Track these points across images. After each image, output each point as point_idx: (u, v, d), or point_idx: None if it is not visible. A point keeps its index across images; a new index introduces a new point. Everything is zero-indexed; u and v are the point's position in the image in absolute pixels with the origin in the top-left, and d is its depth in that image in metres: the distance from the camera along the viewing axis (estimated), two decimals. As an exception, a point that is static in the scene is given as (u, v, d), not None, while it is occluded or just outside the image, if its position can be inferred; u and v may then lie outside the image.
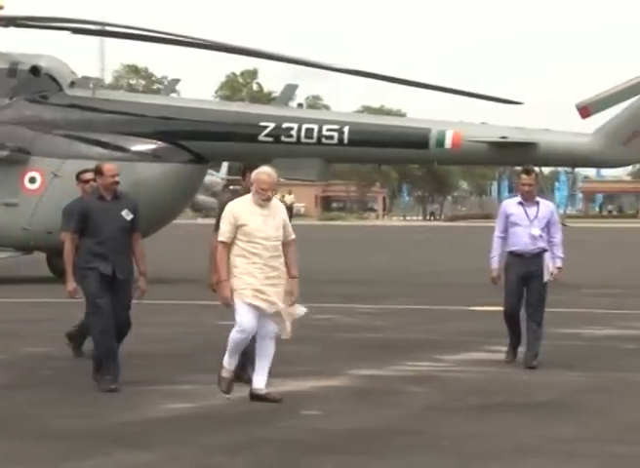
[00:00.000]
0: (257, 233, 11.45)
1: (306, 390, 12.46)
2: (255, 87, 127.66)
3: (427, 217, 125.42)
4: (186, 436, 10.08)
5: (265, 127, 28.55)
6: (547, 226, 13.84)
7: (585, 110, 31.93)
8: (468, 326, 18.72)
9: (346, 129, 28.42)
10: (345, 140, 28.37)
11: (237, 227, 11.49)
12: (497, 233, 14.06)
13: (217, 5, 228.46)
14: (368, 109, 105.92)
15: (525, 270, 13.75)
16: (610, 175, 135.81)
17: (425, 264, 36.15)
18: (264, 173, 11.60)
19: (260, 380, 11.57)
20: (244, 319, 11.41)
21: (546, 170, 56.90)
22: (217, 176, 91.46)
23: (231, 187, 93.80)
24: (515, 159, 29.69)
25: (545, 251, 13.83)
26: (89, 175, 13.87)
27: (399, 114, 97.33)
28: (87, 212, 12.35)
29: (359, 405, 11.79)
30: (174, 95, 37.50)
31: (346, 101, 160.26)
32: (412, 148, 29.15)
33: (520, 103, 33.58)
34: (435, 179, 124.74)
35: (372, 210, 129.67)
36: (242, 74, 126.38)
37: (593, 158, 29.38)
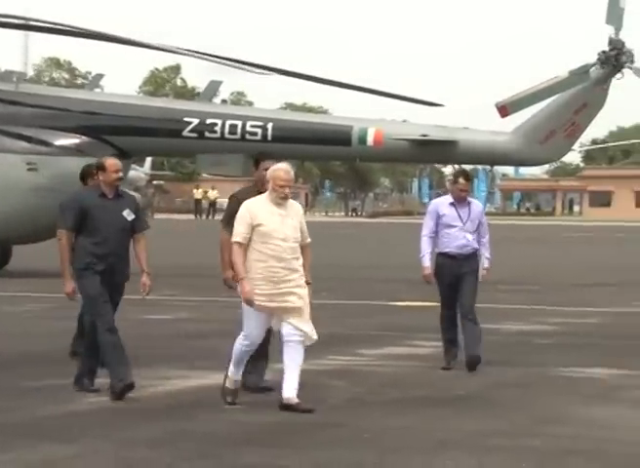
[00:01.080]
0: (274, 234, 10.67)
1: (228, 384, 12.40)
2: (179, 82, 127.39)
3: (349, 214, 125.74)
4: (108, 429, 10.02)
5: (189, 123, 28.49)
6: (477, 226, 13.53)
7: (504, 110, 32.22)
8: (389, 320, 18.83)
9: (270, 125, 28.48)
10: (269, 137, 28.43)
11: (253, 227, 10.70)
12: (426, 233, 13.53)
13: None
14: (291, 106, 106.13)
15: (458, 272, 13.37)
16: (527, 173, 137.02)
17: (347, 259, 36.25)
18: (282, 169, 10.86)
19: (290, 389, 10.79)
20: (251, 328, 10.84)
21: (465, 167, 57.32)
22: (140, 171, 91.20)
23: (154, 182, 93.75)
24: (436, 157, 29.96)
25: (477, 252, 13.56)
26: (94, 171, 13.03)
27: (322, 111, 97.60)
28: (86, 209, 11.34)
29: (278, 398, 11.77)
30: (98, 90, 37.29)
31: (270, 98, 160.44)
32: (334, 145, 29.25)
33: (441, 105, 33.79)
34: (357, 176, 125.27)
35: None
36: (165, 70, 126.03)
37: (511, 156, 29.62)
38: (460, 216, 13.35)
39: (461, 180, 13.52)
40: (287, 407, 10.68)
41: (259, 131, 28.48)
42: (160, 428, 10.12)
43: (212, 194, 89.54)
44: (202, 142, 28.35)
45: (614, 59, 32.70)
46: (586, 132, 36.26)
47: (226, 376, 11.05)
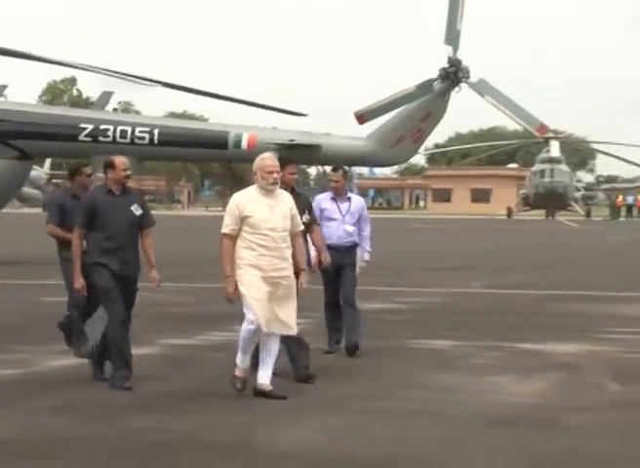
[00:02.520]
0: (263, 224, 9.76)
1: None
2: (74, 93, 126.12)
3: (225, 208, 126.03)
4: (15, 399, 9.85)
5: (85, 128, 28.28)
6: (358, 220, 12.84)
7: (361, 118, 32.68)
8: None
9: (156, 131, 28.48)
10: (155, 141, 28.43)
11: (242, 219, 9.80)
12: None
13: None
14: (172, 114, 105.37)
15: (339, 262, 12.51)
16: (380, 173, 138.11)
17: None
18: (267, 157, 9.97)
19: (264, 376, 9.94)
20: (253, 311, 9.76)
21: (329, 168, 57.63)
22: (41, 171, 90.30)
23: (54, 181, 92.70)
24: (302, 158, 30.02)
25: (357, 244, 12.87)
26: (89, 170, 12.61)
27: (201, 119, 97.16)
28: (95, 206, 10.40)
29: (168, 370, 11.71)
30: (2, 99, 36.77)
31: (154, 107, 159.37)
32: (212, 148, 29.34)
33: (305, 115, 33.97)
34: (233, 176, 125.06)
35: (178, 201, 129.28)
36: (62, 81, 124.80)
37: (367, 158, 30.05)
38: (339, 210, 12.72)
39: (332, 173, 13.09)
40: (260, 393, 9.89)
41: (146, 135, 28.40)
42: (61, 398, 9.98)
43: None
44: (96, 146, 28.11)
45: (452, 75, 33.25)
46: (430, 137, 36.81)
47: (235, 365, 10.06)
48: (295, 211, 10.04)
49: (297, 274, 10.07)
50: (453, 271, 27.38)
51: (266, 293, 9.77)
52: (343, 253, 12.67)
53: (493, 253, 36.08)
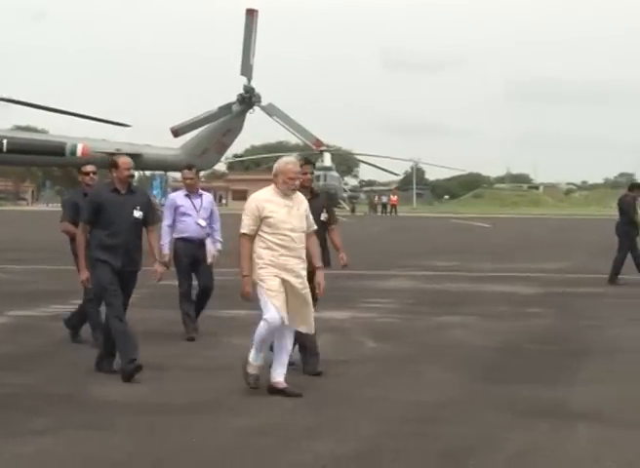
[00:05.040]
0: (282, 224, 8.26)
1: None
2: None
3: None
4: None
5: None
6: (210, 215, 11.65)
7: (176, 132, 32.85)
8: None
9: (5, 141, 28.36)
10: (4, 149, 28.37)
11: (261, 219, 8.27)
12: (167, 222, 11.53)
13: None
14: (18, 127, 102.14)
15: (195, 254, 11.44)
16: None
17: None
18: (291, 162, 8.48)
19: (279, 373, 8.34)
20: (271, 312, 8.20)
21: (148, 172, 56.97)
22: None
23: None
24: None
25: (210, 237, 11.64)
26: (90, 168, 11.02)
27: (43, 131, 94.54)
28: (100, 203, 9.07)
29: (15, 336, 11.41)
30: None
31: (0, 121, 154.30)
32: (53, 156, 29.36)
33: (129, 126, 33.67)
34: (69, 178, 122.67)
35: (23, 199, 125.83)
36: None
37: (178, 165, 30.14)
38: (194, 206, 11.58)
39: (185, 171, 11.84)
40: (275, 390, 8.26)
41: (-3, 145, 28.20)
42: None
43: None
44: None
45: (247, 100, 33.60)
46: (230, 148, 36.92)
47: (247, 362, 8.43)
48: (308, 211, 8.54)
49: (311, 273, 8.56)
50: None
51: (285, 292, 8.27)
52: (199, 246, 11.48)
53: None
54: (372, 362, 9.98)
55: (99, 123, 32.28)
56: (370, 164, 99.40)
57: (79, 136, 31.61)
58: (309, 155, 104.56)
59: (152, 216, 9.33)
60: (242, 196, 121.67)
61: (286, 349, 8.40)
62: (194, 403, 7.91)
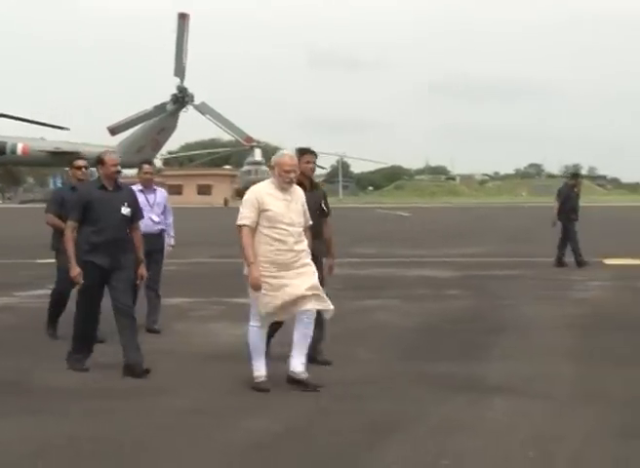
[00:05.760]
0: (281, 218, 7.65)
1: None
2: None
3: (5, 201, 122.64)
4: None
5: None
6: (163, 211, 11.15)
7: (113, 131, 32.36)
8: (36, 273, 18.14)
9: None
10: None
11: (260, 212, 7.65)
12: None
13: None
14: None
15: (148, 248, 10.41)
16: (129, 173, 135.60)
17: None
18: (286, 155, 7.88)
19: (298, 364, 7.66)
20: (256, 317, 7.69)
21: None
22: None
23: None
24: (65, 163, 29.36)
25: (164, 231, 11.13)
26: (81, 162, 10.38)
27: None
28: (88, 200, 8.50)
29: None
30: None
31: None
32: (-7, 154, 28.55)
33: (67, 129, 33.14)
34: (11, 175, 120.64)
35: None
36: None
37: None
38: (148, 201, 10.96)
39: (146, 166, 11.23)
40: (295, 381, 7.65)
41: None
42: None
43: None
44: None
45: (181, 99, 33.23)
46: (165, 146, 36.52)
47: (253, 376, 7.74)
48: (306, 206, 7.94)
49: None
50: (185, 246, 27.21)
51: (280, 288, 7.56)
52: (152, 240, 10.72)
53: (217, 232, 36.03)
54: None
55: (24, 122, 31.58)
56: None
57: (12, 134, 31.09)
58: (241, 151, 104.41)
59: (138, 213, 8.83)
60: (177, 190, 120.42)
61: (305, 337, 7.63)
62: (137, 387, 7.83)
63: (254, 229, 7.64)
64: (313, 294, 7.63)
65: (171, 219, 11.33)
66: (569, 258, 19.45)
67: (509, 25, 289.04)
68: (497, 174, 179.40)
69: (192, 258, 22.24)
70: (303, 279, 7.62)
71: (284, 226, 7.66)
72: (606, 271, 18.21)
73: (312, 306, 7.64)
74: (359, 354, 9.27)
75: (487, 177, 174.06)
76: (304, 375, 7.61)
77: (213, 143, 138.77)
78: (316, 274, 7.75)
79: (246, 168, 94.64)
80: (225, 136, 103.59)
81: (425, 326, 11.24)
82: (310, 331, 7.67)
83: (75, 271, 8.37)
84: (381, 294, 14.44)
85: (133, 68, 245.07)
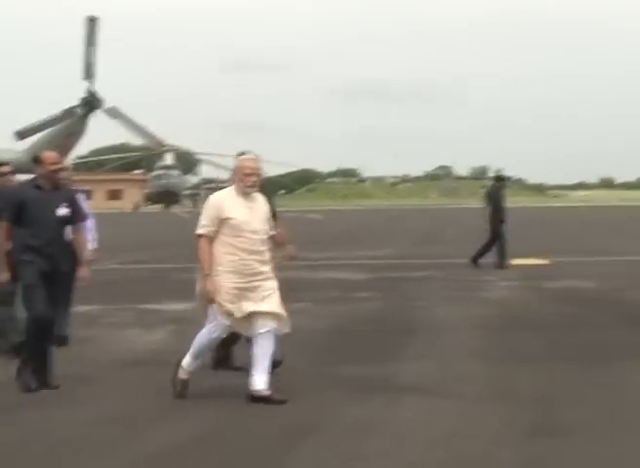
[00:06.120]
0: (245, 226, 7.24)
1: None
2: None
3: None
4: None
5: None
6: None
7: (22, 135, 31.68)
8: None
9: None
10: None
11: (221, 220, 7.23)
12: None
13: None
14: None
15: None
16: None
17: None
18: (248, 158, 7.44)
19: (261, 381, 7.31)
20: (216, 322, 7.31)
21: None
22: None
23: None
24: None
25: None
26: (6, 168, 9.69)
27: None
28: (22, 201, 7.85)
29: None
30: None
31: None
32: None
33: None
34: None
35: None
36: None
37: (22, 166, 29.48)
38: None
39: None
40: (259, 399, 7.28)
41: None
42: None
43: None
44: None
45: (90, 103, 32.74)
46: (75, 150, 35.85)
47: (180, 366, 7.53)
48: (269, 214, 7.57)
49: None
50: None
51: (243, 299, 7.26)
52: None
53: (127, 238, 35.53)
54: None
55: None
56: (210, 162, 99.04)
57: None
58: (152, 155, 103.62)
59: (78, 214, 8.18)
60: (88, 196, 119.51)
61: (265, 355, 7.33)
62: (40, 396, 7.65)
63: (212, 239, 7.25)
64: (275, 314, 7.36)
65: (89, 222, 10.59)
66: (476, 259, 19.74)
67: (414, 28, 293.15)
68: (407, 176, 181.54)
69: (101, 265, 21.81)
70: (265, 296, 7.33)
71: (248, 234, 7.27)
72: (513, 272, 18.55)
73: (272, 325, 7.36)
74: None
75: (398, 180, 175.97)
76: (267, 392, 7.29)
77: (123, 148, 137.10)
78: (277, 292, 7.44)
79: (157, 172, 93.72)
80: (136, 141, 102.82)
81: (337, 328, 11.27)
82: (270, 349, 7.37)
83: (4, 277, 7.85)
84: (294, 297, 14.38)
85: (40, 71, 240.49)
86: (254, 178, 7.32)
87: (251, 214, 7.34)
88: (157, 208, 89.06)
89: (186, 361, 7.55)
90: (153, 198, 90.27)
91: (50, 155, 8.16)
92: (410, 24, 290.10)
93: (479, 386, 7.84)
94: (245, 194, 7.35)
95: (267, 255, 7.43)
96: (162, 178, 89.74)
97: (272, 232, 7.61)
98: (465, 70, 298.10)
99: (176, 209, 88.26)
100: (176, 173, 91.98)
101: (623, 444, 6.03)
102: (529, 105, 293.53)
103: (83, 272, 8.05)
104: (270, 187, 8.77)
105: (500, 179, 21.15)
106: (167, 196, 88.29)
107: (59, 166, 8.05)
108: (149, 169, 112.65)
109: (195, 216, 7.93)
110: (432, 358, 9.13)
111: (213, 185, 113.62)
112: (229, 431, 6.49)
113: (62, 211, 7.98)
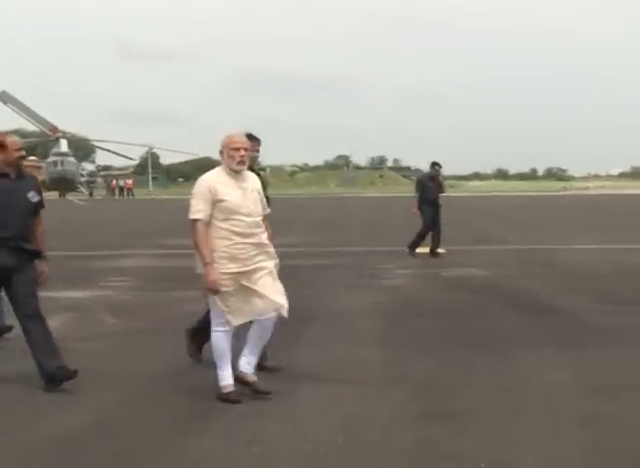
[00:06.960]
0: (237, 209, 6.78)
1: None
2: None
3: None
4: None
5: None
6: None
7: None
8: None
9: None
10: None
11: (214, 203, 6.76)
12: None
13: None
14: None
15: None
16: None
17: None
18: (234, 134, 6.99)
19: (248, 365, 7.03)
20: (221, 320, 6.87)
21: None
22: None
23: None
24: None
25: None
26: None
27: None
28: None
29: None
30: None
31: None
32: None
33: None
34: None
35: None
36: None
37: None
38: None
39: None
40: (242, 381, 6.98)
41: None
42: None
43: None
44: None
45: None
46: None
47: (220, 388, 6.91)
48: (262, 193, 7.11)
49: None
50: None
51: (241, 286, 6.85)
52: None
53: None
54: (112, 337, 9.79)
55: None
56: (106, 149, 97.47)
57: None
58: (47, 141, 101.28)
59: (42, 203, 7.58)
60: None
61: (261, 339, 7.01)
62: None
63: (208, 223, 6.76)
64: (273, 300, 6.98)
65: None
66: (402, 247, 19.93)
67: (318, 22, 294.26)
68: (306, 165, 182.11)
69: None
70: (265, 280, 6.92)
71: (242, 217, 6.81)
72: (415, 260, 18.83)
73: (276, 312, 6.99)
74: (171, 346, 9.16)
75: (297, 169, 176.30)
76: (253, 378, 7.00)
77: (16, 134, 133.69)
78: (275, 274, 7.05)
79: (52, 159, 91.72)
80: (30, 127, 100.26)
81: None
82: (268, 335, 7.04)
83: None
84: (190, 286, 14.32)
85: None
86: (242, 153, 6.85)
87: (244, 195, 6.86)
88: (53, 195, 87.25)
89: (219, 376, 6.93)
90: (49, 184, 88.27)
91: (14, 141, 7.48)
92: (307, 19, 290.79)
93: (376, 372, 7.94)
94: (235, 172, 6.89)
95: (263, 237, 6.99)
96: (58, 165, 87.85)
97: (267, 211, 7.23)
98: (361, 62, 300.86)
99: (71, 196, 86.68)
100: (72, 160, 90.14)
101: (515, 426, 6.20)
102: (428, 97, 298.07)
103: (42, 267, 7.44)
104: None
105: (433, 165, 20.98)
106: (63, 183, 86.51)
107: (23, 152, 7.42)
108: (44, 155, 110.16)
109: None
110: (330, 345, 9.20)
111: (110, 173, 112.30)
112: (123, 419, 6.43)
113: (34, 198, 7.41)
